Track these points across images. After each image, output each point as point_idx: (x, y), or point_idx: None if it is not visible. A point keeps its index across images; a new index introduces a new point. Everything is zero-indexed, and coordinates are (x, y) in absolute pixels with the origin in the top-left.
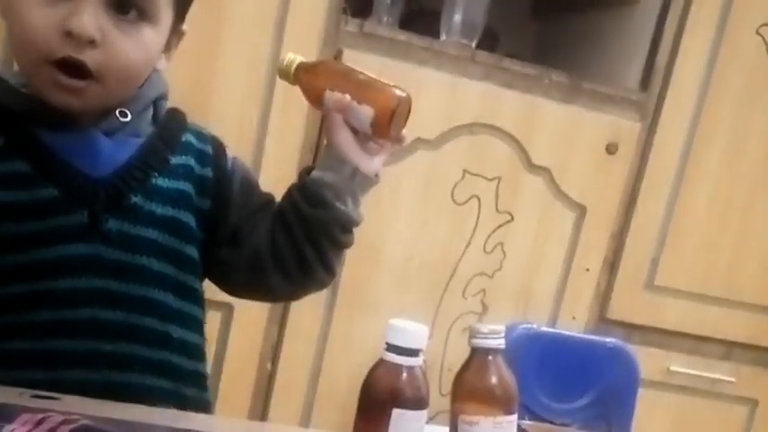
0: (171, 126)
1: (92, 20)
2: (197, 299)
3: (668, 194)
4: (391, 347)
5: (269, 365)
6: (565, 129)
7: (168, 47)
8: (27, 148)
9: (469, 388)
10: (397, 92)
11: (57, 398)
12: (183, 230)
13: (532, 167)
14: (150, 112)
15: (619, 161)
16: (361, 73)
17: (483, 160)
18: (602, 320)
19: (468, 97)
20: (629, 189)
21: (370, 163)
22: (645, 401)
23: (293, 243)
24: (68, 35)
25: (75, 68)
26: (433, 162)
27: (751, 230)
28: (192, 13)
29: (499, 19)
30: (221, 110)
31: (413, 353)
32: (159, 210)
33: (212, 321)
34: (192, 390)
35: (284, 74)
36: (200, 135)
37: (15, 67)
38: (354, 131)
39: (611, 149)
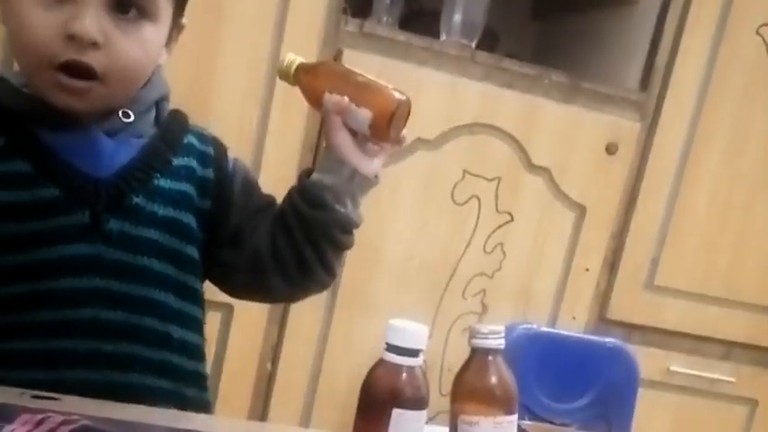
0: (173, 127)
1: (94, 22)
2: (197, 299)
3: (668, 194)
4: (391, 347)
5: (269, 366)
6: (565, 129)
7: (169, 41)
8: (28, 147)
9: (469, 388)
10: (397, 94)
11: (57, 398)
12: (184, 231)
13: (532, 167)
14: (152, 113)
15: (619, 161)
16: (360, 75)
17: (483, 160)
18: (602, 320)
19: (468, 97)
20: (629, 189)
21: (370, 164)
22: (645, 401)
23: (293, 245)
24: (71, 39)
25: (78, 71)
26: (433, 162)
27: (751, 230)
28: (192, 12)
29: (499, 19)
30: (221, 110)
31: (413, 353)
32: (161, 210)
33: (212, 321)
34: (192, 390)
35: (284, 74)
36: (202, 136)
37: (15, 66)
38: (353, 133)
39: (610, 149)
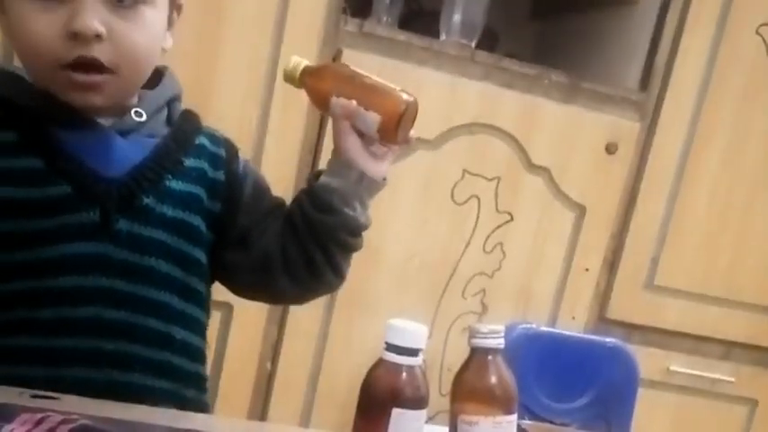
0: (185, 128)
1: (94, 15)
2: (201, 302)
3: (668, 194)
4: (391, 347)
5: (269, 365)
6: (564, 129)
7: (170, 22)
8: (41, 144)
9: (469, 388)
10: (404, 96)
11: (56, 398)
12: (193, 233)
13: (532, 167)
14: (165, 113)
15: (618, 161)
16: (366, 76)
17: (482, 160)
18: (602, 320)
19: (468, 97)
20: (629, 189)
21: (377, 167)
22: (644, 401)
23: (302, 248)
24: (75, 36)
25: (90, 66)
26: (433, 162)
27: (751, 230)
28: (192, 13)
29: (499, 19)
30: (221, 110)
31: (412, 353)
32: (170, 212)
33: (212, 321)
34: (191, 391)
35: (289, 77)
36: (214, 138)
37: (16, 61)
38: (360, 134)
39: (610, 149)
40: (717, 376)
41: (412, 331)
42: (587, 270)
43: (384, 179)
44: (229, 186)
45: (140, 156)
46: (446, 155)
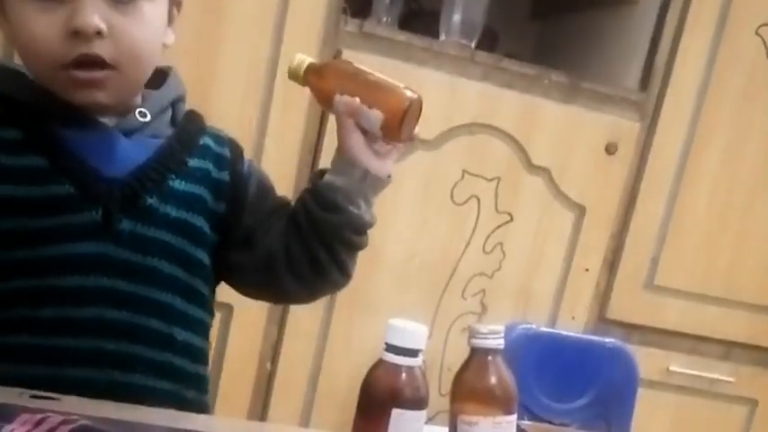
0: (189, 128)
1: (93, 12)
2: (204, 303)
3: (668, 194)
4: (391, 347)
5: (269, 365)
6: (564, 129)
7: (170, 18)
8: (44, 143)
9: (469, 388)
10: (408, 93)
11: (56, 398)
12: (196, 234)
13: (532, 167)
14: (169, 113)
15: (618, 161)
16: (370, 74)
17: (482, 160)
18: (602, 320)
19: (468, 97)
20: (629, 189)
21: (381, 164)
22: (644, 401)
23: (306, 247)
24: (76, 35)
25: (91, 63)
26: (433, 162)
27: (751, 230)
28: (192, 12)
29: (499, 19)
30: (221, 110)
31: (412, 353)
32: (173, 212)
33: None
34: (192, 392)
35: (294, 75)
36: (218, 138)
37: (17, 59)
38: (365, 132)
39: (610, 149)
40: (716, 376)
41: (412, 332)
42: (587, 270)
43: (389, 176)
44: (234, 187)
45: (144, 156)
46: (446, 155)
